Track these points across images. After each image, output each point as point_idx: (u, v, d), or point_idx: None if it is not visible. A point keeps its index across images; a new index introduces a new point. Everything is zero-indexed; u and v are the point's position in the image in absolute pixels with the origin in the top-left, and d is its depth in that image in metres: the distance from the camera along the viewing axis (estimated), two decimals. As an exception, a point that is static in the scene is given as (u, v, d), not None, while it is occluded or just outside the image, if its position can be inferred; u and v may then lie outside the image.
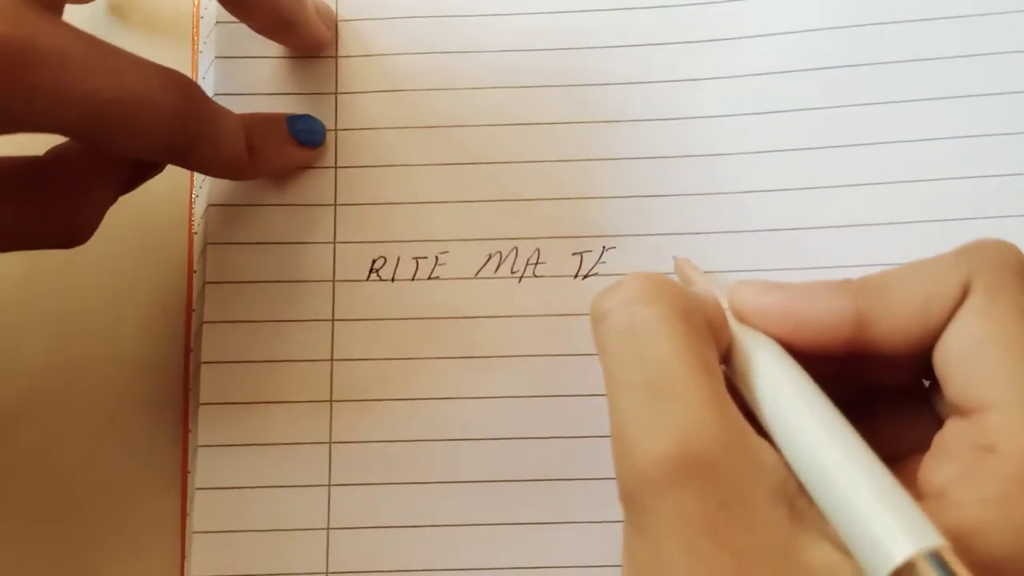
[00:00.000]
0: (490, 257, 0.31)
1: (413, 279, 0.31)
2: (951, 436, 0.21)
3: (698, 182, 0.31)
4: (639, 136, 0.31)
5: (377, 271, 0.31)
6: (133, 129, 0.24)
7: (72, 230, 0.26)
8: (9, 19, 0.21)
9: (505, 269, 0.31)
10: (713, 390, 0.20)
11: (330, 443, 0.30)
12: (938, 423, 0.22)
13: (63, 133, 0.24)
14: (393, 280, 0.31)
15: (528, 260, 0.31)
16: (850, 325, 0.22)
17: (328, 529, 0.29)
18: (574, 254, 0.31)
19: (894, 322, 0.22)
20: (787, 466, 0.20)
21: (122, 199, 0.28)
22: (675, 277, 0.29)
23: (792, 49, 0.32)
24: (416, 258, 0.31)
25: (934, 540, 0.18)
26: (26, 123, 0.23)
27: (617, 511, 0.28)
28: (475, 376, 0.30)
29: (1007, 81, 0.31)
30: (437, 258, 0.31)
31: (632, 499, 0.20)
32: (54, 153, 0.26)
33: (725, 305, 0.23)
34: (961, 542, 0.18)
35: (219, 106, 0.27)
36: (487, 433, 0.30)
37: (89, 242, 0.27)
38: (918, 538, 0.18)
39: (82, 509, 0.31)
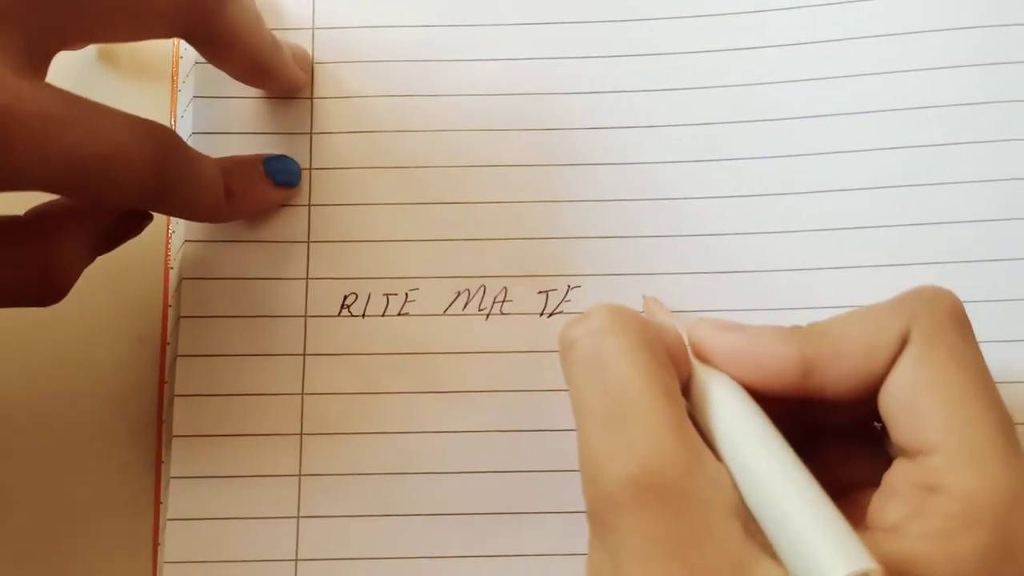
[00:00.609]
0: (459, 294, 0.32)
1: (383, 315, 0.32)
2: (898, 475, 0.22)
3: (660, 224, 0.32)
4: (602, 179, 0.32)
5: (348, 307, 0.32)
6: (111, 181, 0.24)
7: (47, 288, 0.27)
8: None
9: (473, 306, 0.32)
10: (673, 415, 0.22)
11: (300, 475, 0.31)
12: (888, 460, 0.23)
13: (43, 190, 0.24)
14: (364, 316, 0.32)
15: (495, 298, 0.32)
16: (795, 370, 0.23)
17: (296, 560, 0.30)
18: (540, 292, 0.32)
19: (837, 369, 0.23)
20: None
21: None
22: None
23: (746, 97, 0.33)
24: (387, 294, 0.32)
25: (867, 563, 0.19)
26: (5, 182, 0.23)
27: (583, 544, 0.30)
28: (443, 410, 0.31)
29: (962, 131, 0.32)
30: (407, 295, 0.32)
31: (597, 517, 0.21)
32: (33, 212, 0.27)
33: (687, 340, 0.25)
34: (906, 573, 0.20)
35: (196, 152, 0.28)
36: (455, 467, 0.31)
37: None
38: (851, 561, 0.19)
39: (56, 537, 0.31)
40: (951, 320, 0.23)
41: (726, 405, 0.23)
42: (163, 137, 0.26)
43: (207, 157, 0.29)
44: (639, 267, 0.32)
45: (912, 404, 0.22)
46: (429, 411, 0.31)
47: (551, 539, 0.30)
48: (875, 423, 0.25)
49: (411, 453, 0.31)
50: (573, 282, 0.32)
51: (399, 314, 0.32)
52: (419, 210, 0.32)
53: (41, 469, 0.32)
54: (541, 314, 0.32)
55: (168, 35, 0.27)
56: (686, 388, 0.24)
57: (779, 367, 0.23)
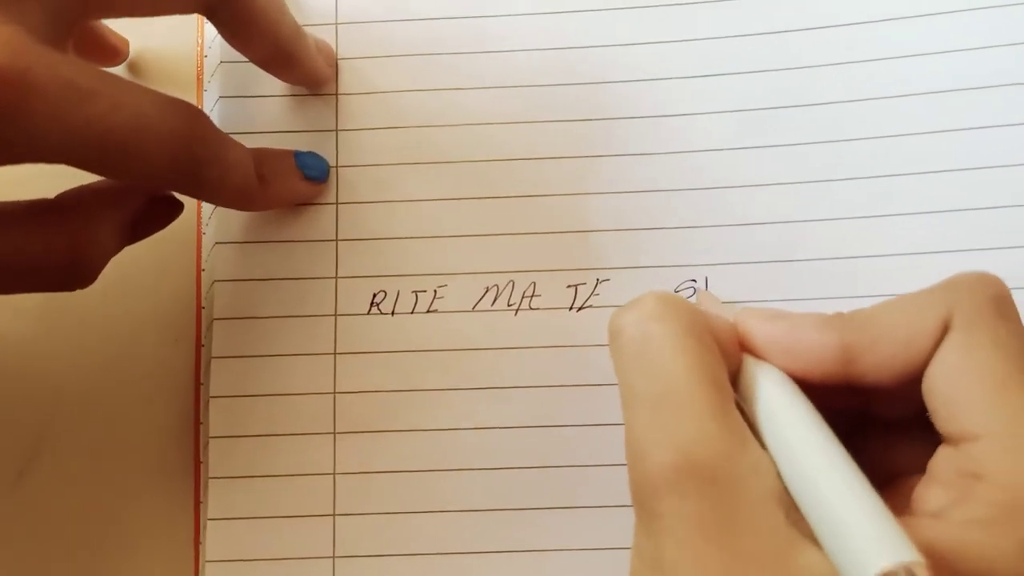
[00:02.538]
0: (487, 290, 0.32)
1: (412, 312, 0.32)
2: (942, 463, 0.22)
3: (690, 215, 0.32)
4: (630, 170, 0.32)
5: (378, 305, 0.32)
6: (137, 156, 0.24)
7: (75, 270, 0.27)
8: (9, 51, 0.22)
9: (502, 302, 0.32)
10: (718, 402, 0.21)
11: (335, 474, 0.31)
12: (934, 447, 0.23)
13: (66, 162, 0.24)
14: (393, 314, 0.32)
15: (524, 293, 0.32)
16: (836, 358, 0.23)
17: (334, 557, 0.30)
18: (569, 287, 0.32)
19: (878, 357, 0.23)
20: None
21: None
22: None
23: (787, 84, 0.32)
24: (415, 291, 0.32)
25: (910, 555, 0.19)
26: (28, 152, 0.23)
27: (616, 536, 0.30)
28: (474, 407, 0.31)
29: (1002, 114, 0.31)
30: (436, 291, 0.32)
31: (641, 502, 0.21)
32: (63, 196, 0.27)
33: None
34: (947, 561, 0.19)
35: (226, 135, 0.28)
36: (486, 463, 0.31)
37: (105, 279, 0.28)
38: (894, 552, 0.19)
39: (98, 537, 0.32)
40: (994, 305, 0.22)
41: (771, 394, 0.23)
42: (189, 113, 0.26)
43: (238, 142, 0.29)
44: (669, 259, 0.31)
45: (954, 391, 0.22)
46: (460, 408, 0.31)
47: (584, 534, 0.30)
48: (924, 411, 0.24)
49: (443, 450, 0.31)
50: (602, 276, 0.32)
51: (428, 311, 0.32)
52: (447, 205, 0.32)
53: (83, 470, 0.32)
54: (570, 308, 0.32)
55: (190, 10, 0.27)
56: (735, 378, 0.24)
57: (820, 355, 0.23)
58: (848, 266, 0.31)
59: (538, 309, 0.32)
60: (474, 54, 0.33)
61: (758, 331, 0.24)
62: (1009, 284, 0.23)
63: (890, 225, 0.31)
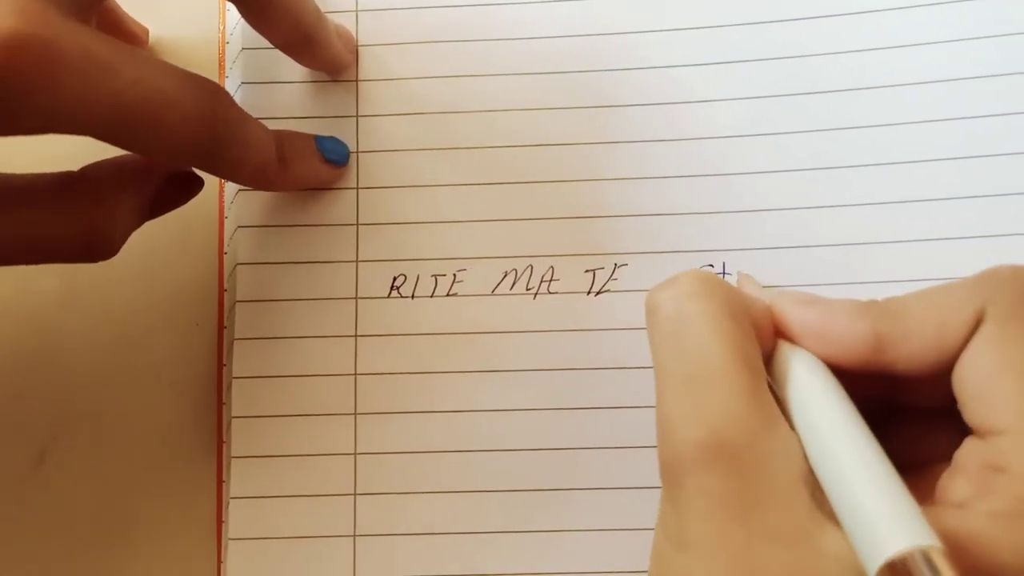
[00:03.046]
0: (506, 274, 0.32)
1: (432, 296, 0.32)
2: (968, 454, 0.22)
3: (708, 200, 0.32)
4: (648, 156, 0.32)
5: (398, 288, 0.32)
6: (159, 130, 0.25)
7: (95, 242, 0.27)
8: (34, 20, 0.22)
9: (520, 286, 0.32)
10: (750, 382, 0.22)
11: (355, 454, 0.31)
12: (961, 438, 0.23)
13: (89, 134, 0.24)
14: (413, 297, 0.32)
15: (543, 277, 0.32)
16: (868, 346, 0.23)
17: (355, 536, 0.31)
18: (587, 271, 0.32)
19: (910, 347, 0.23)
20: None
21: (156, 222, 0.30)
22: None
23: (800, 72, 0.32)
24: (435, 275, 0.32)
25: (928, 540, 0.19)
26: (52, 122, 0.23)
27: (634, 517, 0.30)
28: (493, 389, 0.32)
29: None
30: (455, 275, 0.32)
31: (668, 475, 0.22)
32: (85, 170, 0.28)
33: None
34: (968, 549, 0.20)
35: (248, 114, 0.28)
36: (506, 444, 0.31)
37: (127, 262, 0.28)
38: (913, 537, 0.19)
39: (122, 517, 0.32)
40: None
41: (803, 378, 0.23)
42: (212, 91, 0.26)
43: (259, 122, 0.29)
44: (686, 244, 0.32)
45: (983, 385, 0.22)
46: (479, 390, 0.32)
47: (601, 515, 0.31)
48: (954, 402, 0.25)
49: (462, 432, 0.31)
50: (620, 260, 0.32)
51: (448, 295, 0.32)
52: (466, 191, 0.33)
53: (105, 451, 0.33)
54: (588, 293, 0.32)
55: None
56: (769, 360, 0.24)
57: (851, 342, 0.23)
58: (863, 252, 0.31)
59: (556, 293, 0.32)
60: (492, 41, 0.34)
61: (792, 315, 0.24)
62: None
63: (904, 211, 0.31)
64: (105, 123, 0.24)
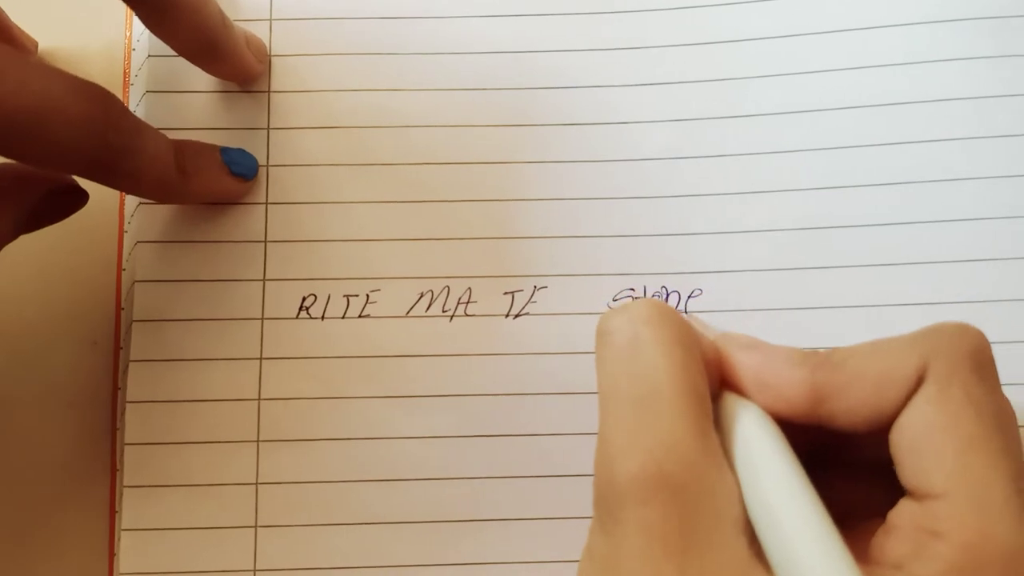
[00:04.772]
0: (421, 295, 0.31)
1: (344, 317, 0.31)
2: (903, 515, 0.22)
3: (631, 224, 0.31)
4: (569, 176, 0.31)
5: (307, 309, 0.31)
6: (44, 139, 0.23)
7: None
8: None
9: (437, 308, 0.31)
10: (697, 416, 0.21)
11: (257, 484, 0.30)
12: (895, 495, 0.22)
13: None
14: (323, 318, 0.31)
15: (460, 299, 0.31)
16: (805, 396, 0.22)
17: (255, 571, 0.29)
18: (506, 293, 0.31)
19: (847, 401, 0.22)
20: None
21: (51, 235, 0.28)
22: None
23: (726, 92, 0.32)
24: (347, 296, 0.31)
25: None
26: None
27: (551, 551, 0.29)
28: (405, 416, 0.30)
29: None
30: (368, 296, 0.31)
31: (604, 506, 0.21)
32: None
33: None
34: None
35: (144, 123, 0.27)
36: (416, 473, 0.30)
37: (22, 276, 0.26)
38: None
39: (9, 547, 0.30)
40: (971, 360, 0.22)
41: (747, 423, 0.22)
42: (101, 98, 0.25)
43: (157, 131, 0.28)
44: (607, 268, 0.31)
45: (921, 446, 0.21)
46: (391, 416, 0.30)
47: (516, 546, 0.29)
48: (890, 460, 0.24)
49: (372, 460, 0.30)
50: (540, 283, 0.31)
51: (360, 316, 0.31)
52: (381, 208, 0.31)
53: (-8, 477, 0.31)
54: (507, 315, 0.31)
55: None
56: (715, 400, 0.23)
57: (788, 390, 0.22)
58: (789, 277, 0.31)
59: (474, 316, 0.31)
60: (412, 55, 0.32)
61: (735, 358, 0.23)
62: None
63: (835, 235, 0.31)
64: None
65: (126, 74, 0.33)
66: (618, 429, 0.21)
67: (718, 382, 0.24)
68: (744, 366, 0.23)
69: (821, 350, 0.23)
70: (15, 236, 0.27)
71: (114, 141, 0.25)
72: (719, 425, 0.23)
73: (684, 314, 0.29)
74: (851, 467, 0.24)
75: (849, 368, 0.22)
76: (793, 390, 0.22)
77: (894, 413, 0.22)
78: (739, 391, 0.23)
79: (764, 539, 0.20)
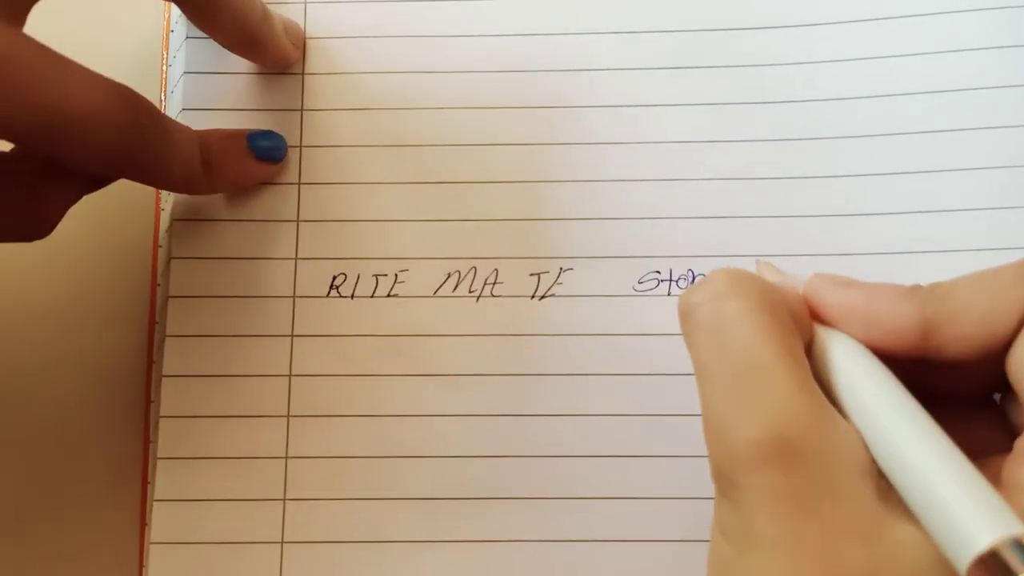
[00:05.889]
0: (449, 276, 0.31)
1: (372, 296, 0.31)
2: None
3: (656, 205, 0.31)
4: (596, 158, 0.32)
5: (337, 288, 0.31)
6: (81, 142, 0.24)
7: (32, 222, 0.26)
8: None
9: (463, 288, 0.31)
10: (799, 376, 0.21)
11: (287, 457, 0.30)
12: (1012, 427, 0.23)
13: (8, 139, 0.24)
14: (353, 297, 0.31)
15: (486, 280, 0.31)
16: (914, 329, 0.22)
17: (283, 543, 0.30)
18: (532, 275, 0.31)
19: (960, 329, 0.22)
20: None
21: (89, 213, 0.28)
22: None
23: (750, 78, 0.32)
24: (376, 275, 0.31)
25: (1018, 528, 0.18)
26: None
27: (576, 530, 0.29)
28: (431, 394, 0.31)
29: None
30: (396, 276, 0.31)
31: (725, 476, 0.21)
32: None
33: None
34: None
35: (171, 121, 0.28)
36: (442, 451, 0.30)
37: (56, 252, 0.27)
38: (1002, 526, 0.18)
39: (44, 516, 0.31)
40: None
41: (851, 365, 0.22)
42: (137, 103, 0.25)
43: (184, 127, 0.28)
44: (633, 250, 0.31)
45: None
46: (417, 394, 0.31)
47: (539, 524, 0.30)
48: (995, 394, 0.24)
49: (399, 437, 0.30)
50: (566, 264, 0.31)
51: (388, 295, 0.31)
52: (411, 189, 0.32)
53: (31, 448, 0.32)
54: (532, 297, 0.31)
55: None
56: (808, 348, 0.23)
57: (897, 325, 0.23)
58: (810, 264, 0.30)
59: (500, 296, 0.31)
60: (444, 37, 0.33)
61: (832, 298, 0.24)
62: None
63: (861, 224, 0.31)
64: (27, 133, 0.23)
65: (164, 55, 0.34)
66: (724, 405, 0.21)
67: (810, 327, 0.24)
68: (845, 304, 0.23)
69: (922, 284, 0.23)
70: (79, 197, 0.27)
71: (144, 144, 0.26)
72: (817, 365, 0.23)
73: (757, 262, 0.29)
74: (957, 405, 0.24)
75: (958, 297, 0.22)
76: (903, 323, 0.22)
77: (1006, 339, 0.22)
78: (842, 330, 0.23)
79: (894, 477, 0.20)
